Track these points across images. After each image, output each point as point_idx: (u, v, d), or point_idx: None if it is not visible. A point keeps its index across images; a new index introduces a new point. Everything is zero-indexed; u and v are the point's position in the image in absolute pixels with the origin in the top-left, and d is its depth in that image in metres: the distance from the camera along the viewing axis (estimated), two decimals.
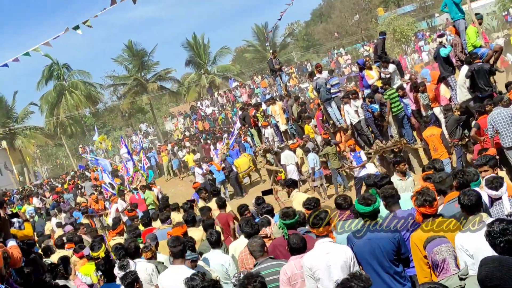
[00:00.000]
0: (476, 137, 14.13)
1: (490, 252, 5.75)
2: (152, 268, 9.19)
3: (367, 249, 6.67)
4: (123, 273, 8.50)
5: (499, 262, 4.52)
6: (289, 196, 12.31)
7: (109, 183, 27.00)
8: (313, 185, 20.55)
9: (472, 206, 6.26)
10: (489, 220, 6.13)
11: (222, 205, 14.08)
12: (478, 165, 8.55)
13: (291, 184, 12.52)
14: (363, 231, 6.85)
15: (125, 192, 23.97)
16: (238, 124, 30.16)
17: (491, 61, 16.06)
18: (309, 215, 7.20)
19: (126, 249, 9.82)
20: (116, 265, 9.54)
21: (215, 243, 9.35)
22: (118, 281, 8.91)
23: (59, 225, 22.26)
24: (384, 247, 6.58)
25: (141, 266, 9.19)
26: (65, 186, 39.65)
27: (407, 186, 10.74)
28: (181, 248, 8.39)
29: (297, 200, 11.60)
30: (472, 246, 6.01)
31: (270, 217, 9.77)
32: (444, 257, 5.49)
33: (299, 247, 7.25)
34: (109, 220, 20.79)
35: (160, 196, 22.40)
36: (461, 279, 5.19)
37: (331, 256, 6.65)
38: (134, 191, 23.38)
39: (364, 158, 18.06)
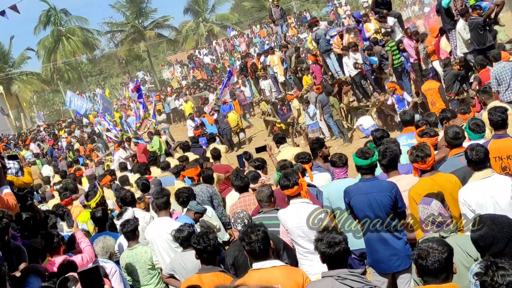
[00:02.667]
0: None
1: (491, 208, 5.81)
2: (150, 218, 9.23)
3: (364, 203, 6.69)
4: (121, 220, 8.52)
5: (492, 221, 4.55)
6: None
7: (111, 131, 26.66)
8: (315, 136, 20.21)
9: (479, 162, 6.24)
10: (495, 174, 6.21)
11: (217, 156, 14.11)
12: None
13: (278, 140, 12.57)
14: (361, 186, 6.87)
15: (131, 137, 23.46)
16: (232, 77, 29.94)
17: (493, 15, 15.89)
18: (280, 177, 7.17)
19: (122, 198, 9.85)
20: (114, 214, 9.60)
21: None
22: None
23: (56, 171, 22.36)
24: (381, 201, 6.60)
25: (139, 214, 9.24)
26: (61, 132, 39.63)
27: None
28: (164, 200, 8.37)
29: (283, 154, 11.58)
30: (474, 202, 6.05)
31: (259, 172, 9.80)
32: (429, 212, 5.50)
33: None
34: (113, 166, 20.63)
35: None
36: (442, 237, 5.21)
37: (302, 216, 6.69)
38: (137, 140, 22.72)
39: (409, 99, 17.59)
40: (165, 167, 14.10)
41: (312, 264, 6.55)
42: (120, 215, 9.00)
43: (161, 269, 7.96)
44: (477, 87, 13.66)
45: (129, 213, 8.93)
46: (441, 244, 4.43)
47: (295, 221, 6.74)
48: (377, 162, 7.04)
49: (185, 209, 8.61)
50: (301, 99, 21.38)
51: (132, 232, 8.11)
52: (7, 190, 6.51)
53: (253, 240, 5.45)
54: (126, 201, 9.74)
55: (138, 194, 11.17)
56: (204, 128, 24.54)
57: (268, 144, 12.02)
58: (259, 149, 11.77)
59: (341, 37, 20.92)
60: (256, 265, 5.51)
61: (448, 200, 6.07)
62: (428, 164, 6.63)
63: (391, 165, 7.24)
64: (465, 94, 15.78)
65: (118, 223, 8.78)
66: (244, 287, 2.38)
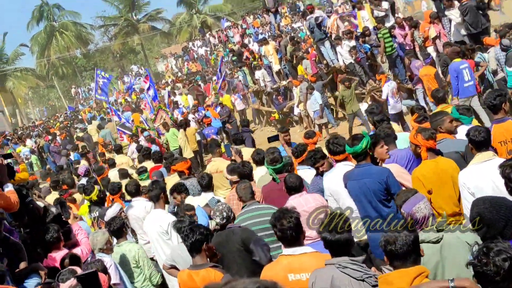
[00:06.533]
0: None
1: (490, 191, 5.81)
2: (151, 207, 9.22)
3: (357, 188, 6.70)
4: (111, 216, 8.56)
5: (490, 203, 4.56)
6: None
7: (123, 125, 26.25)
8: (320, 122, 20.16)
9: (482, 142, 6.24)
10: (497, 157, 6.22)
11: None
12: None
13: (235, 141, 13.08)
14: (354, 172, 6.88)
15: (147, 130, 23.07)
16: (225, 69, 29.67)
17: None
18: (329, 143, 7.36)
19: (126, 188, 9.84)
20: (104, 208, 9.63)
21: (206, 186, 9.33)
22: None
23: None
24: (371, 187, 6.61)
25: (140, 204, 9.31)
26: (56, 127, 39.55)
27: None
28: (157, 193, 8.44)
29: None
30: (473, 184, 6.07)
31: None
32: (424, 213, 5.48)
33: (296, 186, 7.31)
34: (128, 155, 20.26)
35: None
36: (438, 230, 5.22)
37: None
38: (151, 131, 22.18)
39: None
40: (158, 159, 14.15)
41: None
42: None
43: (156, 262, 8.03)
44: None
45: (114, 208, 9.02)
46: (406, 229, 4.52)
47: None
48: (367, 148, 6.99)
49: (202, 202, 8.64)
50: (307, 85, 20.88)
51: (118, 230, 8.19)
52: (9, 188, 6.55)
53: (285, 227, 5.35)
54: (129, 190, 9.74)
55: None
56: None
57: (280, 133, 11.93)
58: (272, 139, 11.74)
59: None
60: (286, 250, 5.44)
61: (449, 182, 6.11)
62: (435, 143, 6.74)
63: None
64: None
65: (107, 218, 8.83)
66: (233, 283, 2.35)
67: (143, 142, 21.36)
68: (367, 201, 6.67)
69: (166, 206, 8.88)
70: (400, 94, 17.14)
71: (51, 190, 15.35)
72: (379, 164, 7.10)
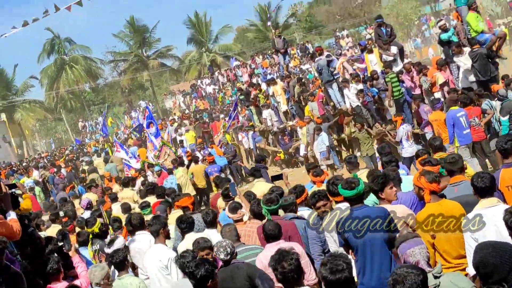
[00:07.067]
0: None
1: (494, 237, 5.78)
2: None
3: (359, 232, 6.62)
4: (111, 249, 8.50)
5: (493, 248, 4.53)
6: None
7: (129, 160, 26.10)
8: (326, 164, 19.98)
9: (486, 189, 6.24)
10: (501, 204, 6.21)
11: (218, 185, 14.10)
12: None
13: (253, 173, 12.86)
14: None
15: (154, 164, 22.88)
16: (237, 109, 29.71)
17: (495, 47, 15.99)
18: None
19: (130, 221, 9.77)
20: (105, 241, 9.56)
21: (210, 222, 9.31)
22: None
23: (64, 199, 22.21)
24: (376, 228, 6.56)
25: (144, 237, 9.23)
26: (61, 160, 39.60)
27: None
28: (157, 228, 8.42)
29: (257, 188, 11.82)
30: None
31: (241, 204, 9.79)
32: (417, 259, 5.47)
33: (275, 234, 7.28)
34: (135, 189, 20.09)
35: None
36: (435, 277, 5.20)
37: None
38: (160, 168, 21.99)
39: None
40: (161, 194, 14.15)
41: None
42: (111, 242, 8.96)
43: None
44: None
45: (119, 242, 8.92)
46: (415, 267, 4.50)
47: None
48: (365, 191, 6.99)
49: None
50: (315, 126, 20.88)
51: (121, 263, 8.08)
52: (12, 216, 6.57)
53: (286, 270, 5.34)
54: (134, 223, 9.68)
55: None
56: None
57: (284, 172, 11.98)
58: (275, 178, 11.76)
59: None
60: None
61: (453, 226, 6.09)
62: (442, 186, 6.68)
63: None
64: None
65: (108, 251, 8.75)
66: None
67: (151, 177, 21.27)
68: (370, 244, 6.60)
69: (168, 241, 8.85)
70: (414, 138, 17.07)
71: (51, 222, 15.33)
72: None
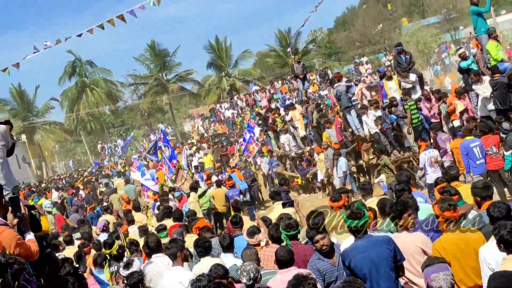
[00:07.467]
0: None
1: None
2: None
3: (366, 260, 6.56)
4: (128, 272, 8.51)
5: (506, 278, 4.52)
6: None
7: (145, 181, 26.02)
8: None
9: (501, 219, 6.19)
10: None
11: (238, 208, 14.08)
12: None
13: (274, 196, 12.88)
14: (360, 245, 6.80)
15: (174, 187, 22.77)
16: (256, 131, 29.62)
17: None
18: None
19: (147, 244, 9.76)
20: (121, 264, 9.57)
21: (227, 247, 9.33)
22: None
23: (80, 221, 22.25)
24: (381, 255, 6.53)
25: (162, 260, 9.21)
26: (79, 181, 39.79)
27: None
28: (175, 251, 8.43)
29: (275, 212, 11.85)
30: (494, 261, 5.99)
31: (259, 228, 9.76)
32: (440, 285, 5.45)
33: (286, 260, 7.26)
34: (153, 222, 19.98)
35: None
36: None
37: None
38: (181, 193, 21.82)
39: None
40: (178, 218, 14.17)
41: None
42: (127, 266, 8.97)
43: None
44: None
45: (136, 264, 8.94)
46: None
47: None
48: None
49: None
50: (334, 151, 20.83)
51: (135, 285, 8.09)
52: (30, 237, 6.62)
53: None
54: (150, 246, 9.66)
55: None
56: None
57: (295, 199, 12.00)
58: (287, 204, 11.79)
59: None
60: None
61: (472, 254, 6.03)
62: (457, 213, 6.63)
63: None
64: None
65: (124, 273, 8.75)
66: None
67: (172, 202, 21.17)
68: (377, 272, 6.58)
69: (185, 263, 8.85)
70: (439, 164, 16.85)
71: (65, 244, 15.39)
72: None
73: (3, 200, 6.52)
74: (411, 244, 7.06)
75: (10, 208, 6.67)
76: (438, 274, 5.47)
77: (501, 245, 5.79)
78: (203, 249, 8.88)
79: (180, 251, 8.49)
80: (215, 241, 10.06)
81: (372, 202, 9.87)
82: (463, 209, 7.88)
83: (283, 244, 8.26)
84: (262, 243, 9.34)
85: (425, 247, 6.87)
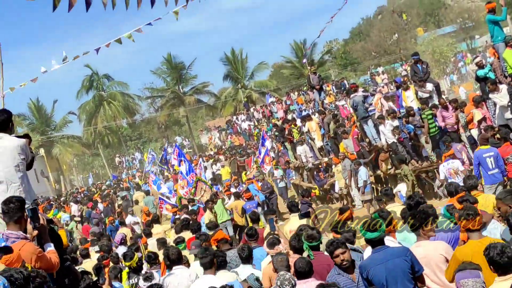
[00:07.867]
0: None
1: None
2: (196, 276, 9.19)
3: (384, 272, 6.57)
4: (148, 284, 8.54)
5: None
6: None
7: (166, 195, 26.01)
8: (364, 199, 20.11)
9: (506, 265, 6.13)
10: None
11: (256, 219, 14.08)
12: None
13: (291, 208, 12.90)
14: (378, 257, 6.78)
15: (195, 199, 22.76)
16: (267, 144, 29.58)
17: None
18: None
19: (168, 256, 9.78)
20: (141, 276, 9.60)
21: (245, 258, 9.33)
22: None
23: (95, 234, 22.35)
24: (399, 266, 6.53)
25: (183, 272, 9.24)
26: (97, 195, 39.97)
27: None
28: (209, 260, 8.46)
29: (291, 223, 11.88)
30: None
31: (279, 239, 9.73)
32: None
33: (305, 272, 7.25)
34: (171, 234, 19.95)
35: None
36: None
37: None
38: (198, 206, 21.75)
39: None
40: (196, 230, 14.19)
41: None
42: (148, 278, 8.99)
43: None
44: None
45: (156, 277, 8.97)
46: None
47: None
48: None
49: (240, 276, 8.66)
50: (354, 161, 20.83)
51: None
52: (50, 248, 6.65)
53: None
54: (171, 258, 9.69)
55: None
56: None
57: (311, 210, 12.01)
58: (303, 215, 11.78)
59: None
60: None
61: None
62: (478, 223, 6.58)
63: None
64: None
65: (144, 285, 8.78)
66: None
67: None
68: (394, 283, 6.56)
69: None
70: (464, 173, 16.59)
71: (82, 258, 15.50)
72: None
73: (24, 214, 6.56)
74: (435, 252, 7.05)
75: (29, 219, 6.70)
76: (468, 280, 5.42)
77: (491, 266, 5.61)
78: (218, 263, 8.89)
79: (214, 259, 8.54)
80: (233, 253, 10.07)
81: (394, 207, 9.93)
82: (483, 218, 7.84)
83: (304, 254, 8.25)
84: None
85: (448, 256, 6.85)
